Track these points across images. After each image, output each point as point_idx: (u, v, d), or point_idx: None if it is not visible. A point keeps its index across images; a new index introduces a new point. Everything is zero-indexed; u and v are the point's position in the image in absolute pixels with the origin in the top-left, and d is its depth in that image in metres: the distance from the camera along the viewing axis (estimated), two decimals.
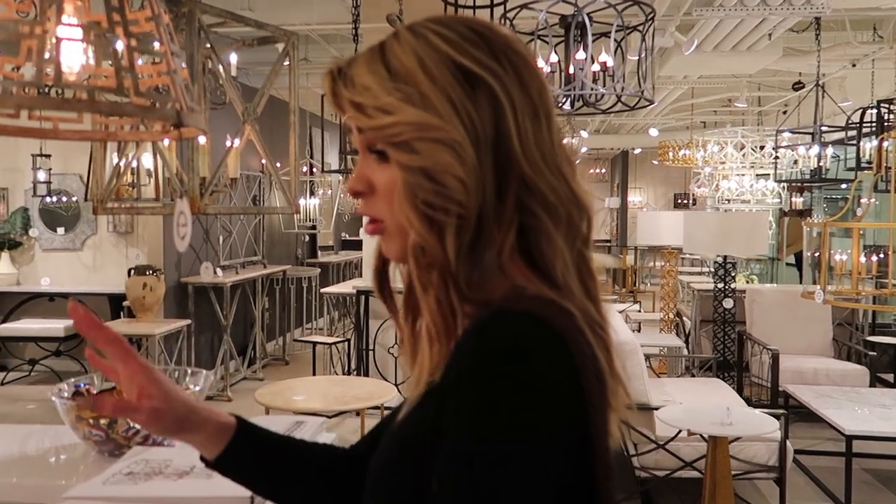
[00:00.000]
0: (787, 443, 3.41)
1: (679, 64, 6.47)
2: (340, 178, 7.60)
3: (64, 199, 6.51)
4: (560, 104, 3.96)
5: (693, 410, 3.32)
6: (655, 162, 13.46)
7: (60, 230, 6.55)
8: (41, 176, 6.41)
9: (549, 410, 0.57)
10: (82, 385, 1.30)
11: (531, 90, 0.65)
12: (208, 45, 2.02)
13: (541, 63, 3.77)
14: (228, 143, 2.36)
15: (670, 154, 10.83)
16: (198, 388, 1.33)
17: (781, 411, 3.56)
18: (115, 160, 2.28)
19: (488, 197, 0.62)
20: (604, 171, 15.45)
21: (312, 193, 8.37)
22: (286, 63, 2.20)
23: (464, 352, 0.59)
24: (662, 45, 5.65)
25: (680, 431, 3.24)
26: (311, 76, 7.28)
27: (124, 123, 1.15)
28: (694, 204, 13.43)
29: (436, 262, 0.62)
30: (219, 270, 5.76)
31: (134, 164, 2.50)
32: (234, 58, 2.67)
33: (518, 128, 0.63)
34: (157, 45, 0.89)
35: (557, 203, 0.64)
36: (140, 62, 0.94)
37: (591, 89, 3.58)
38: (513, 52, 0.65)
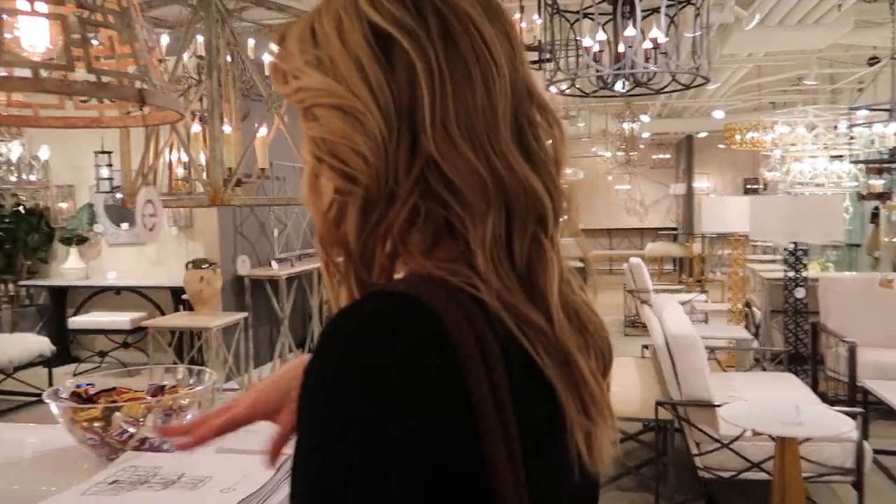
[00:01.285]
0: (865, 443, 3.16)
1: (741, 41, 6.13)
2: None
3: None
4: (610, 85, 3.76)
5: (759, 408, 3.10)
6: (722, 146, 12.94)
7: (124, 225, 6.71)
8: (103, 172, 6.59)
9: (377, 399, 0.49)
10: (82, 385, 1.24)
11: (462, 48, 0.55)
12: (230, 32, 1.96)
13: (587, 42, 3.59)
14: (263, 133, 2.29)
15: (737, 137, 10.37)
16: (201, 388, 1.25)
17: (859, 409, 3.30)
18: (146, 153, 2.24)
19: (400, 176, 0.55)
20: (668, 156, 14.97)
21: None
22: None
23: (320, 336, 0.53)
24: (722, 20, 5.36)
25: (745, 430, 3.03)
26: None
27: (106, 109, 1.07)
28: (765, 189, 12.84)
29: (341, 245, 0.57)
30: (274, 263, 5.79)
31: (172, 156, 2.47)
32: (251, 42, 2.61)
33: (433, 95, 0.54)
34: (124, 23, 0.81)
35: (470, 185, 0.55)
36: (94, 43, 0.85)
37: (643, 68, 3.38)
38: (445, 2, 0.56)
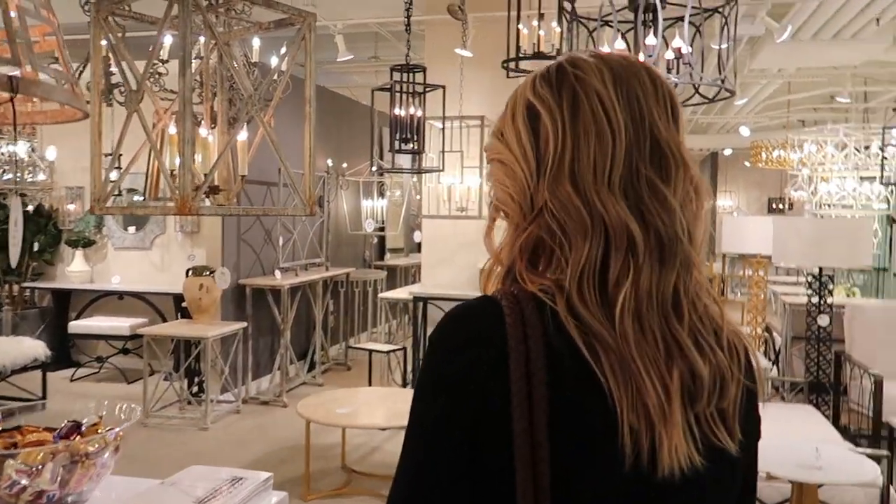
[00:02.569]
0: (892, 489, 2.92)
1: (772, 55, 5.91)
2: (414, 178, 7.39)
3: (134, 197, 6.58)
4: None
5: (777, 447, 2.88)
6: (747, 164, 12.66)
7: (131, 229, 6.62)
8: (112, 175, 6.50)
9: (437, 375, 0.70)
10: None
11: (582, 113, 0.72)
12: (220, 30, 1.80)
13: (606, 51, 3.39)
14: (243, 137, 2.14)
15: (763, 155, 10.09)
16: (117, 430, 1.08)
17: (884, 452, 3.06)
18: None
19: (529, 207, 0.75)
20: None
21: (382, 195, 8.21)
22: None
23: None
24: (752, 33, 5.14)
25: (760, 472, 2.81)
26: (379, 74, 7.12)
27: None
28: (790, 209, 12.52)
29: (494, 258, 0.77)
30: (277, 272, 5.64)
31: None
32: (256, 42, 2.46)
33: (555, 150, 0.72)
34: None
35: (571, 219, 0.71)
36: None
37: (668, 78, 3.17)
38: (579, 80, 0.73)
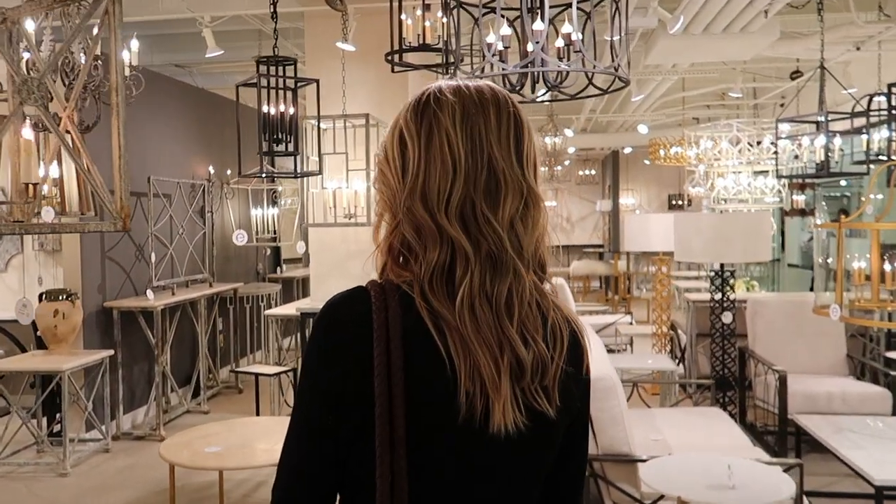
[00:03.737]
0: (805, 500, 2.74)
1: (666, 49, 5.81)
2: (311, 184, 6.92)
3: None
4: (517, 87, 3.29)
5: (688, 469, 2.65)
6: (647, 161, 12.83)
7: None
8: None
9: (312, 351, 0.88)
10: None
11: (433, 146, 0.88)
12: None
13: (491, 38, 3.09)
14: (28, 135, 1.69)
15: (661, 152, 10.18)
16: None
17: (796, 461, 2.88)
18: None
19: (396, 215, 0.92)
20: (593, 172, 14.79)
21: (274, 202, 7.69)
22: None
23: None
24: (646, 25, 5.00)
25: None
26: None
27: None
28: (689, 205, 12.76)
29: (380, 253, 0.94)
30: (149, 292, 5.08)
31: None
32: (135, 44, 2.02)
33: (413, 172, 0.89)
34: None
35: (423, 231, 0.87)
36: None
37: (555, 66, 2.90)
38: (435, 115, 0.89)
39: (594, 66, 3.21)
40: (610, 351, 5.80)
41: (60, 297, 4.54)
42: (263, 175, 3.60)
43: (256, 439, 3.45)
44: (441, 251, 0.85)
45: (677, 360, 5.92)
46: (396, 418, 0.82)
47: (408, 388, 0.82)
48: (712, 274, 4.94)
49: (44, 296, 4.58)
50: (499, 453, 0.86)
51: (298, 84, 3.62)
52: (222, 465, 3.12)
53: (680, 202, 13.76)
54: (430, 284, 0.85)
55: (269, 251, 7.85)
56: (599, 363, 2.99)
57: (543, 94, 3.28)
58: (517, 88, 3.26)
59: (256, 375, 4.80)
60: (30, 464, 4.47)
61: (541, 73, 3.07)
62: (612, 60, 3.11)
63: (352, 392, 0.83)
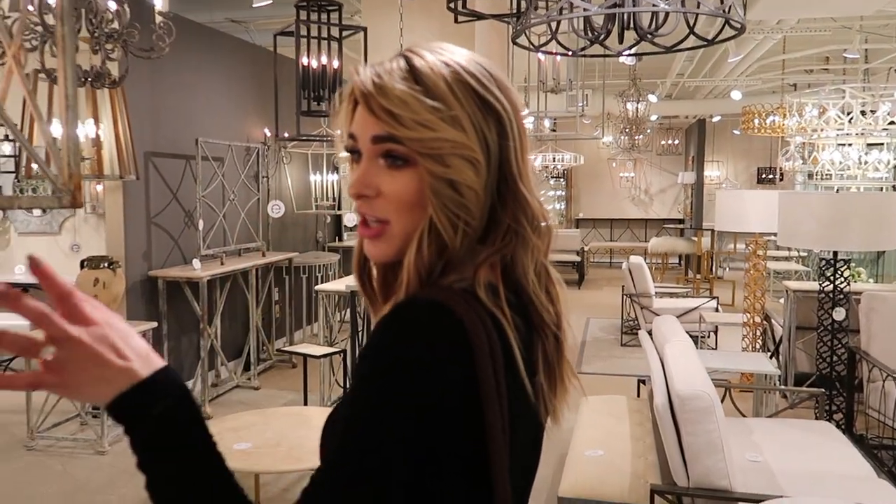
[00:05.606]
0: None
1: (772, 5, 5.08)
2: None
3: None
4: (600, 36, 2.70)
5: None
6: (737, 132, 11.87)
7: (37, 211, 5.73)
8: (6, 148, 5.60)
9: (418, 387, 0.67)
10: None
11: (518, 123, 0.78)
12: None
13: None
14: None
15: (756, 122, 9.30)
16: None
17: None
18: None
19: (491, 207, 0.77)
20: (676, 142, 13.85)
21: (336, 169, 7.32)
22: None
23: (376, 328, 0.71)
24: None
25: None
26: None
27: None
28: (781, 179, 11.75)
29: (439, 252, 0.75)
30: (196, 262, 4.79)
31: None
32: None
33: (516, 152, 0.77)
34: None
35: (534, 216, 0.78)
36: None
37: (650, 6, 2.33)
38: (510, 92, 0.79)
39: (698, 5, 2.59)
40: (692, 338, 5.20)
41: (101, 266, 4.29)
42: (302, 138, 3.17)
43: (294, 435, 3.08)
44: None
45: (770, 354, 5.27)
46: (503, 443, 0.73)
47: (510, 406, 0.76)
48: (822, 264, 4.27)
49: (85, 263, 4.34)
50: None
51: (343, 33, 3.15)
52: (248, 466, 2.76)
53: (771, 176, 12.75)
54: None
55: (329, 219, 7.51)
56: (694, 375, 2.45)
57: (632, 48, 2.71)
58: (600, 37, 2.69)
59: (305, 357, 4.45)
60: (68, 438, 4.28)
61: (631, 16, 2.49)
62: (721, 2, 2.50)
63: (450, 419, 0.74)
